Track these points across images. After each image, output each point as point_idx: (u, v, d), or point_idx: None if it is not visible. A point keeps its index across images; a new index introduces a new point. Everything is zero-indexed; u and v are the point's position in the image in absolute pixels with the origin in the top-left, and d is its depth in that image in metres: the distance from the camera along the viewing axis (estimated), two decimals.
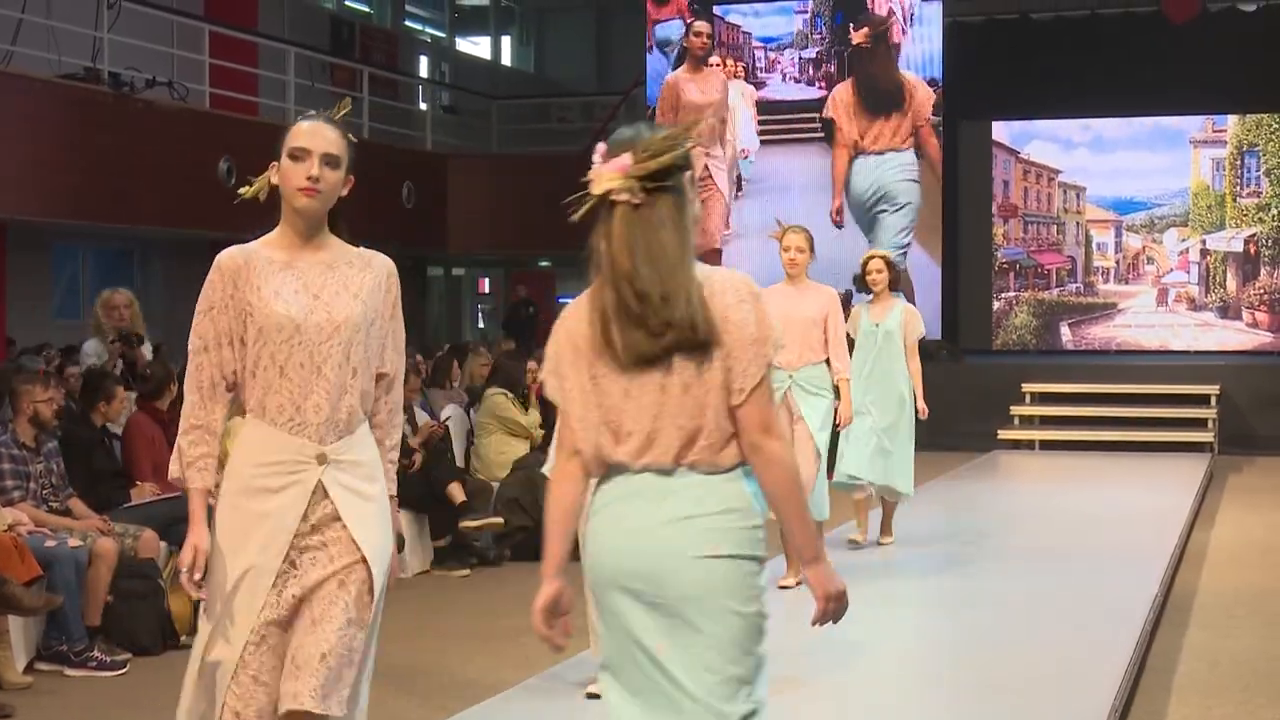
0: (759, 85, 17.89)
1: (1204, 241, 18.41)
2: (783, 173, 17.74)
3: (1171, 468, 13.56)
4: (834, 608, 3.13)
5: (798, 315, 7.57)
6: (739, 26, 18.04)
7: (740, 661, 3.03)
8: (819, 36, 17.83)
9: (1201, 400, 15.72)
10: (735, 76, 17.62)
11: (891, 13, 17.35)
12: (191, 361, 3.75)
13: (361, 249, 3.84)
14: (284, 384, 3.67)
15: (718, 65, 16.89)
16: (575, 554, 3.18)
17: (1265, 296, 18.15)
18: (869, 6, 17.46)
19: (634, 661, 3.07)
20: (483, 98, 22.47)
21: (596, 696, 5.60)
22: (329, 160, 3.69)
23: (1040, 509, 11.26)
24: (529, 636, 7.58)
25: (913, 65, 17.39)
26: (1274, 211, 18.07)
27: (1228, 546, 9.92)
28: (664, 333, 3.01)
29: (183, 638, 7.08)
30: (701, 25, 15.37)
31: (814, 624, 3.15)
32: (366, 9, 23.41)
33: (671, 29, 17.86)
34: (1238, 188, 18.26)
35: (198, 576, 3.65)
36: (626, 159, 3.05)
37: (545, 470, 5.93)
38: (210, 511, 3.72)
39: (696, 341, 3.01)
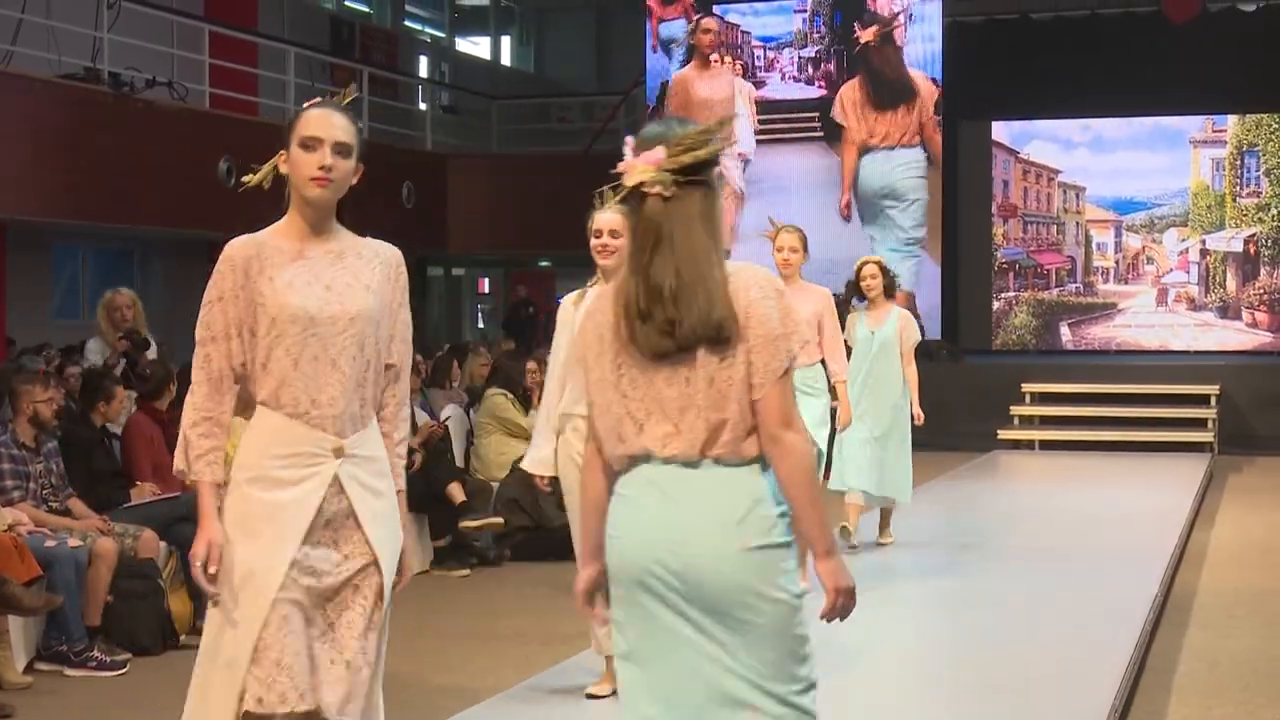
0: (758, 84, 17.89)
1: (1204, 241, 18.40)
2: (782, 172, 17.74)
3: (1171, 468, 13.56)
4: (843, 602, 3.16)
5: None
6: (738, 26, 18.04)
7: (787, 645, 3.08)
8: (818, 35, 17.83)
9: (1201, 400, 15.72)
10: (735, 75, 17.63)
11: (894, 14, 17.35)
12: (200, 351, 3.66)
13: (369, 239, 3.77)
14: (298, 377, 3.60)
15: (718, 63, 16.91)
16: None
17: (1265, 296, 18.14)
18: (869, 6, 17.47)
19: (669, 649, 3.08)
20: (483, 98, 22.46)
21: (596, 697, 5.62)
22: (340, 149, 3.62)
23: (1040, 509, 11.26)
24: (529, 636, 7.58)
25: (913, 65, 17.42)
26: (1274, 211, 18.06)
27: (1228, 546, 9.91)
28: (670, 330, 3.04)
29: (183, 638, 7.09)
30: (710, 22, 15.38)
31: (822, 617, 3.17)
32: (366, 9, 23.40)
33: (675, 27, 17.86)
34: (1237, 188, 18.25)
35: (213, 570, 3.57)
36: (660, 152, 3.08)
37: (524, 465, 5.92)
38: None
39: (717, 336, 3.04)
